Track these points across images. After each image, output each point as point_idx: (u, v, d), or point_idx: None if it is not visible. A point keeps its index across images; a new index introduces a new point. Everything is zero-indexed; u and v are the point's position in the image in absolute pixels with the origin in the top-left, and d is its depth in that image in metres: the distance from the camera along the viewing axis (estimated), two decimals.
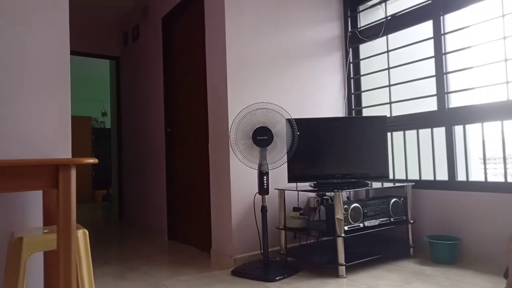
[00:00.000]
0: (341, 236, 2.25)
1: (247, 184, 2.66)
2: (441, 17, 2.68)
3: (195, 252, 3.05)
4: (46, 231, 1.51)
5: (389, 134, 3.02)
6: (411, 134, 2.90)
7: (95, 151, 7.46)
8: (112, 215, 5.31)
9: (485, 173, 2.43)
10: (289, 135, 2.44)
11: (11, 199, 1.72)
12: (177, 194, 3.51)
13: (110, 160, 7.05)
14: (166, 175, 3.60)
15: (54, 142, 1.83)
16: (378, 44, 3.16)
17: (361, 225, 2.42)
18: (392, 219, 2.57)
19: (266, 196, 2.65)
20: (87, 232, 1.54)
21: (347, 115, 3.26)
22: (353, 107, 3.27)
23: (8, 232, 1.70)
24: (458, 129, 2.61)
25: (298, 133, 2.47)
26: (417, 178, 2.83)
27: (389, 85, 3.01)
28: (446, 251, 2.43)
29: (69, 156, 1.86)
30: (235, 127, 2.36)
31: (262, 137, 2.32)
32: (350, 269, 2.37)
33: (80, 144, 7.20)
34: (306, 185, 2.75)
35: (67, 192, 1.36)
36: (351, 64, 3.30)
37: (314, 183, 2.63)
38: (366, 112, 3.23)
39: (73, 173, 1.38)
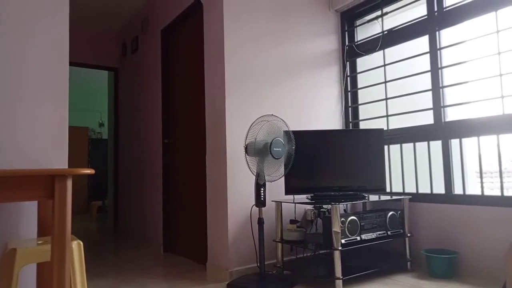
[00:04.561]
0: (338, 249, 2.23)
1: (244, 196, 2.65)
2: (437, 32, 2.72)
3: (191, 264, 3.02)
4: (40, 242, 1.50)
5: (386, 147, 3.03)
6: (408, 147, 2.91)
7: (92, 161, 7.43)
8: (108, 227, 5.26)
9: (482, 187, 2.44)
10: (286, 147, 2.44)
11: (6, 209, 1.70)
12: (173, 206, 3.49)
13: (106, 171, 7.01)
14: (163, 187, 3.59)
15: (51, 152, 1.82)
16: (375, 58, 3.20)
17: (358, 238, 2.41)
18: (389, 233, 2.56)
19: (263, 208, 2.64)
20: (81, 243, 1.53)
21: (344, 128, 3.27)
22: (350, 120, 3.29)
23: (2, 243, 1.68)
24: (454, 143, 2.62)
25: (294, 147, 2.47)
26: (414, 191, 2.83)
27: (386, 99, 3.03)
28: (443, 265, 2.42)
29: (66, 166, 1.85)
30: (254, 137, 2.34)
31: (278, 148, 2.32)
32: (347, 282, 2.35)
33: (77, 154, 7.18)
34: (303, 197, 2.75)
35: (62, 203, 1.35)
36: (348, 78, 3.32)
37: (311, 196, 2.63)
38: (363, 125, 3.24)
39: (69, 183, 1.37)
